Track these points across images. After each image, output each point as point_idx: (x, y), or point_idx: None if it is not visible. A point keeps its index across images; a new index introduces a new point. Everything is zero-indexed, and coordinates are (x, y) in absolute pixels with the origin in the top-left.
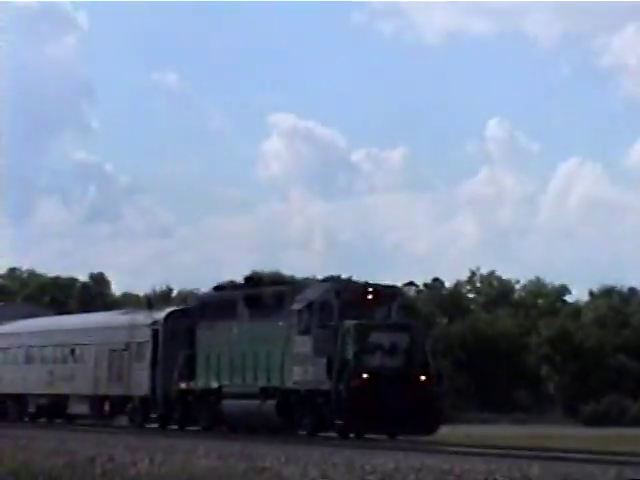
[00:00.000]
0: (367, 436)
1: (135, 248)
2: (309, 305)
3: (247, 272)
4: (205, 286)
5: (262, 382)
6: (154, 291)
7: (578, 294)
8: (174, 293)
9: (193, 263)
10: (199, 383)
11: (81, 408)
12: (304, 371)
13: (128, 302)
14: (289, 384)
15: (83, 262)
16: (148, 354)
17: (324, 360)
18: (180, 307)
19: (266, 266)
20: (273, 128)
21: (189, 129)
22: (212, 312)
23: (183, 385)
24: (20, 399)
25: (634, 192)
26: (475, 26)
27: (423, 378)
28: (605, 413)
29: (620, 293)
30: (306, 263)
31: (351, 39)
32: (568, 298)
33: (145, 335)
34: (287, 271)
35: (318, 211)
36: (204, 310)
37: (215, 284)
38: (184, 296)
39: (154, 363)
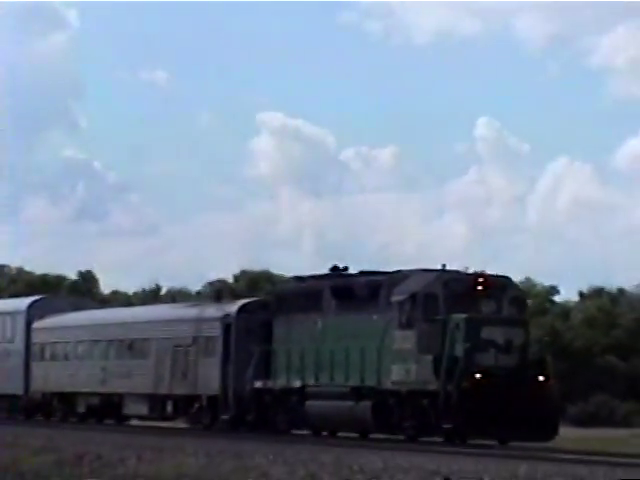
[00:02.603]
0: (471, 441)
1: (123, 246)
2: (412, 297)
3: (236, 271)
4: (194, 284)
5: (354, 381)
6: (143, 289)
7: (567, 294)
8: (163, 291)
9: (181, 261)
10: (278, 382)
11: (139, 408)
12: (406, 370)
13: (117, 300)
14: (387, 384)
15: (71, 260)
16: (218, 350)
17: (430, 358)
18: (255, 299)
19: (255, 265)
20: (262, 126)
21: (178, 127)
22: (292, 304)
23: (259, 384)
24: (68, 398)
25: (623, 192)
26: (464, 26)
27: (541, 378)
28: (594, 413)
29: (609, 294)
30: (295, 262)
31: (340, 38)
32: (557, 298)
33: (215, 329)
34: (276, 270)
35: (307, 210)
36: (282, 302)
37: (204, 282)
38: (173, 294)
39: (225, 360)
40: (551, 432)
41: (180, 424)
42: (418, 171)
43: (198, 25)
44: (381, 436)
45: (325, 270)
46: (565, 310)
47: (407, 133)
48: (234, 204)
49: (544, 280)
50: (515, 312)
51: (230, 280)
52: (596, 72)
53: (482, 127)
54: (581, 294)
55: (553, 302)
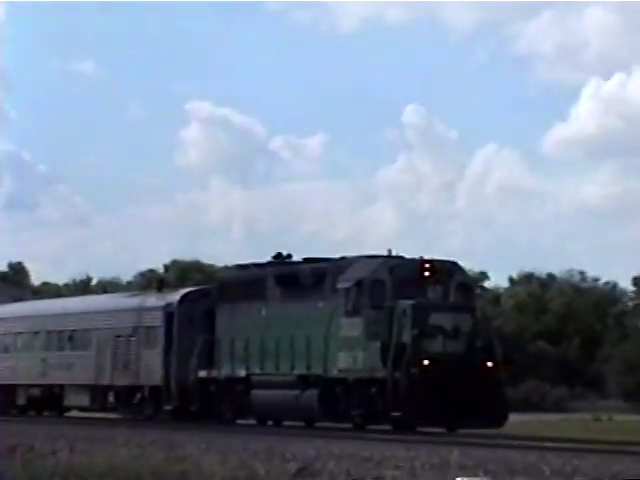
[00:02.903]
0: (420, 429)
1: (53, 237)
2: (358, 283)
3: (167, 261)
4: (125, 275)
5: (300, 370)
6: (74, 280)
7: (497, 280)
8: (94, 282)
9: (112, 252)
10: (223, 371)
11: (80, 399)
12: (353, 357)
13: (47, 291)
14: (334, 372)
15: (1, 251)
16: (160, 340)
17: (377, 345)
18: (197, 288)
19: (185, 254)
20: (191, 116)
21: (107, 118)
22: (235, 293)
23: (203, 373)
24: (8, 390)
25: (551, 178)
26: (391, 13)
27: (489, 364)
28: (524, 399)
29: (539, 279)
30: (225, 251)
31: (268, 27)
32: (487, 284)
33: (157, 319)
34: (206, 259)
35: (237, 199)
36: (225, 291)
37: (135, 272)
38: (104, 285)
39: (167, 349)
40: (501, 418)
41: (114, 415)
42: (347, 159)
43: (125, 16)
44: (328, 425)
45: (263, 258)
46: (495, 296)
47: (336, 121)
48: (164, 194)
49: (474, 266)
50: (461, 298)
51: (160, 270)
52: (523, 58)
53: (410, 114)
54: (511, 280)
55: (483, 288)
